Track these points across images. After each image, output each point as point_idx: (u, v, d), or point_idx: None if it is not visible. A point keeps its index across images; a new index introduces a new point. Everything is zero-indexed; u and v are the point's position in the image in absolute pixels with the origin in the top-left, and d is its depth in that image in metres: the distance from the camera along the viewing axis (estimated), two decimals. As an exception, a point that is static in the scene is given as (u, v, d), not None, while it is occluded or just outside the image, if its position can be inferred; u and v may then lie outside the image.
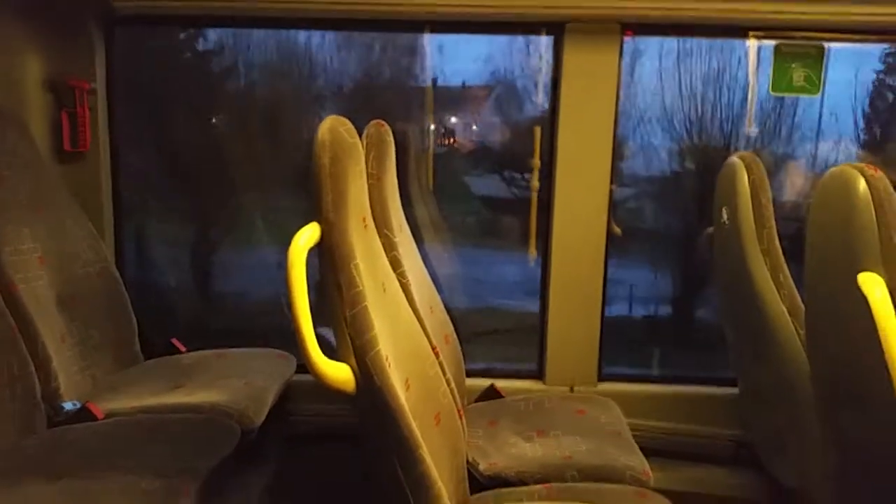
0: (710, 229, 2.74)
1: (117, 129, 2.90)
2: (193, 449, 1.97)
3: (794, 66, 2.84)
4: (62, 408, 2.17)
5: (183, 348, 2.81)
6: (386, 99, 3.83)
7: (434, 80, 3.70)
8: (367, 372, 1.39)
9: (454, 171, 4.05)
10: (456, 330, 2.54)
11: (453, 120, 3.98)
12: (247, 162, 3.74)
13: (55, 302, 2.40)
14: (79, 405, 2.19)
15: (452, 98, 3.99)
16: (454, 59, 3.63)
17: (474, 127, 4.06)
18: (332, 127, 1.47)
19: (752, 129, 3.96)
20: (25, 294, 2.23)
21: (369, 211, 1.81)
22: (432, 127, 3.78)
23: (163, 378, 2.48)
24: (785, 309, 2.29)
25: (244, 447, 2.12)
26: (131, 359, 2.64)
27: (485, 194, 4.18)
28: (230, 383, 2.39)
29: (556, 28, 2.75)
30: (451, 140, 3.92)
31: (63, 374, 2.22)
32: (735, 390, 2.81)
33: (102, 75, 2.83)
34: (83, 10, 2.71)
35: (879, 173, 1.72)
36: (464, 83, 3.91)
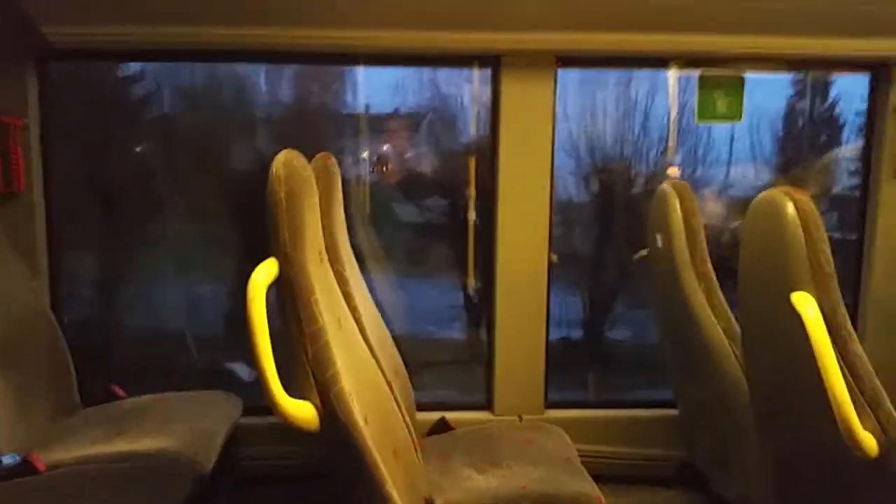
0: (644, 252, 2.83)
1: (52, 166, 2.83)
2: (144, 499, 1.90)
3: (716, 94, 3.00)
4: (1, 462, 2.06)
5: (123, 394, 2.71)
6: (316, 127, 3.84)
7: (367, 107, 3.74)
8: (332, 408, 1.38)
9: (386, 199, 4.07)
10: (405, 363, 2.54)
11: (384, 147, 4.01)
12: (181, 193, 3.68)
13: (-10, 349, 2.30)
14: (19, 458, 2.08)
15: (383, 126, 4.01)
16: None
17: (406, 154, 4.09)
18: (287, 161, 1.47)
19: (674, 158, 4.12)
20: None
21: (324, 244, 1.81)
22: (365, 154, 3.80)
23: (105, 425, 2.38)
24: (721, 330, 2.38)
25: (195, 493, 2.06)
26: (71, 406, 2.53)
27: (415, 222, 4.19)
28: (175, 427, 2.32)
29: (493, 61, 2.83)
30: (384, 167, 3.94)
31: (0, 425, 2.12)
32: (677, 412, 2.90)
33: (36, 111, 2.75)
34: (16, 44, 2.64)
35: (806, 196, 1.83)
36: (396, 110, 3.93)
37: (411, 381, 2.55)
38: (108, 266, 3.79)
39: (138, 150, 3.71)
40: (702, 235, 2.49)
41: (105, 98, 3.59)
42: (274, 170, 1.44)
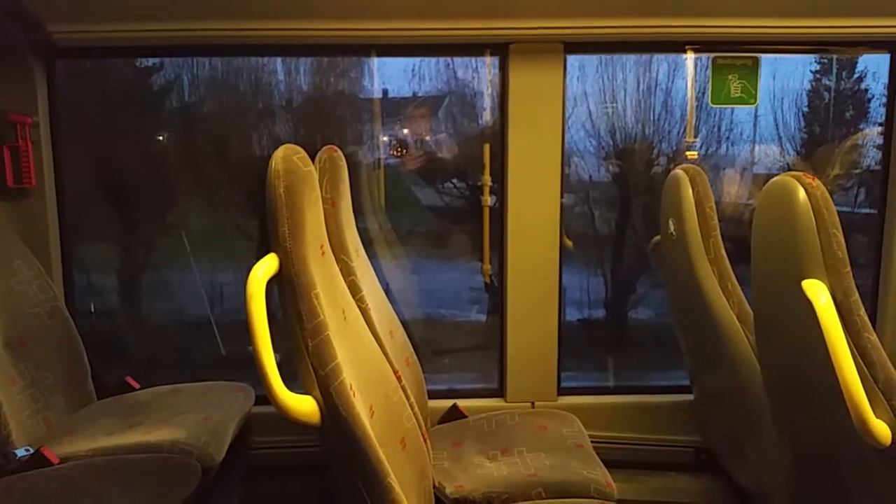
0: (657, 238, 2.80)
1: (62, 163, 2.85)
2: (154, 491, 1.93)
3: (730, 77, 2.94)
4: (14, 455, 2.09)
5: (137, 385, 2.74)
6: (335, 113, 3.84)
7: (385, 92, 3.73)
8: (332, 403, 1.38)
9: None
10: (416, 351, 2.54)
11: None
12: (201, 185, 3.70)
13: (3, 344, 2.33)
14: (32, 451, 2.11)
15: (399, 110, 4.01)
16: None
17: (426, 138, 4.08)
18: (286, 156, 1.46)
19: (693, 141, 4.06)
20: (-29, 338, 2.16)
21: (326, 237, 1.81)
22: (383, 139, 3.80)
23: (118, 417, 2.41)
24: (734, 316, 2.35)
25: (205, 484, 2.08)
26: (85, 399, 2.56)
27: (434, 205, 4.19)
28: (188, 419, 2.35)
29: (501, 49, 2.80)
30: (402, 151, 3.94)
31: (14, 419, 2.15)
32: (691, 397, 2.87)
33: (45, 109, 2.77)
34: (22, 43, 2.65)
35: (817, 182, 1.80)
36: (415, 94, 3.92)
37: (423, 368, 2.55)
38: (126, 257, 3.83)
39: (160, 138, 3.75)
40: (715, 221, 2.46)
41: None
42: (272, 165, 1.44)
